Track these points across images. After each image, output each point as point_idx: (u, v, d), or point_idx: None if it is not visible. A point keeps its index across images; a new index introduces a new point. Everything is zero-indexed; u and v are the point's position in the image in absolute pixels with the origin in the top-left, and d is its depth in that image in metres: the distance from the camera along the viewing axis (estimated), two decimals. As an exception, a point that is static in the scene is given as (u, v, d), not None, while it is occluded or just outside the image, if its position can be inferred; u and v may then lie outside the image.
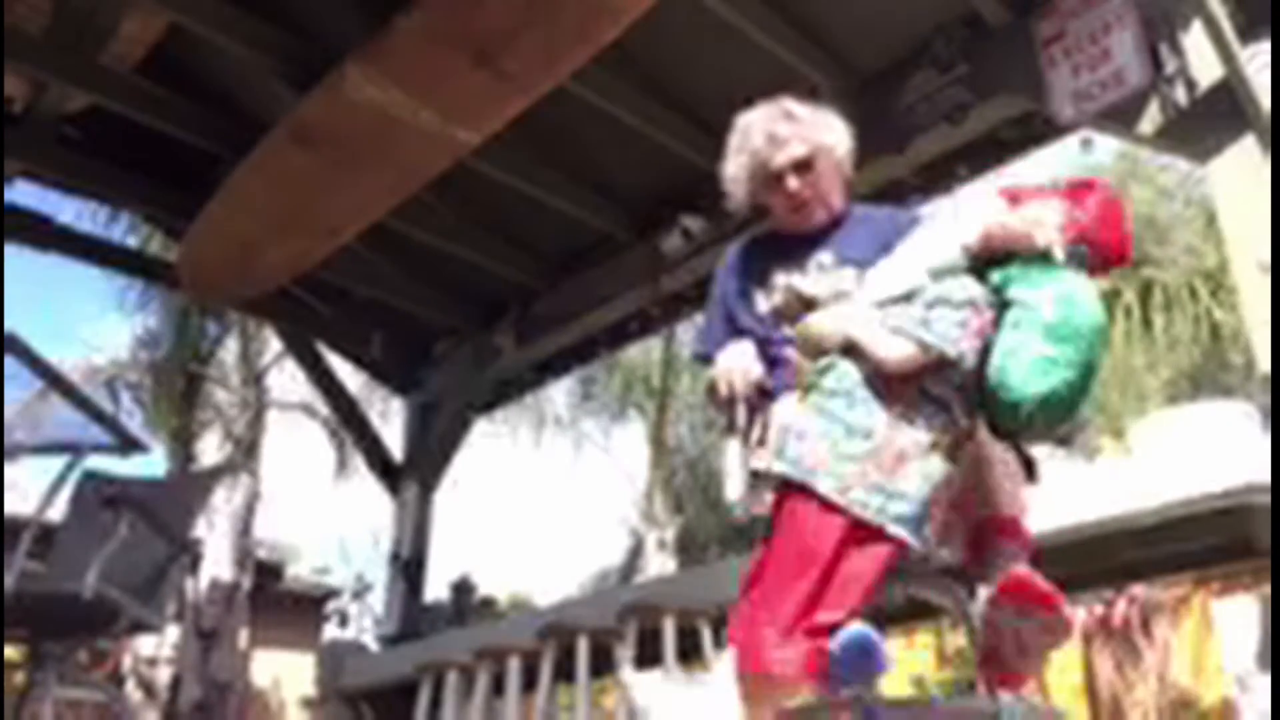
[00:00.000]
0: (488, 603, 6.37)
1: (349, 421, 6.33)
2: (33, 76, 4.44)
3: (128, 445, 4.33)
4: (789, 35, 3.76)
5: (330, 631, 11.32)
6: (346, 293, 5.69)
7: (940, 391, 1.68)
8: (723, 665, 1.71)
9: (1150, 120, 3.06)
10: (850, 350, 1.71)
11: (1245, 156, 2.79)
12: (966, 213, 1.80)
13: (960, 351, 1.67)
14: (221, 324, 11.88)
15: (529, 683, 3.69)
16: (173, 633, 6.57)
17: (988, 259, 1.73)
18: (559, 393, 13.42)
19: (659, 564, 12.44)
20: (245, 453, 11.44)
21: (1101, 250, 1.76)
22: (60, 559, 2.97)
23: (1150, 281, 11.49)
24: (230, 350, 12.28)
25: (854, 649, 1.55)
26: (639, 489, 14.05)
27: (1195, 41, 2.95)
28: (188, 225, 4.52)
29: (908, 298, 1.72)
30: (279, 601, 10.89)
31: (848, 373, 1.70)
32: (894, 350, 1.67)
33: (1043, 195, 1.77)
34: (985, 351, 1.69)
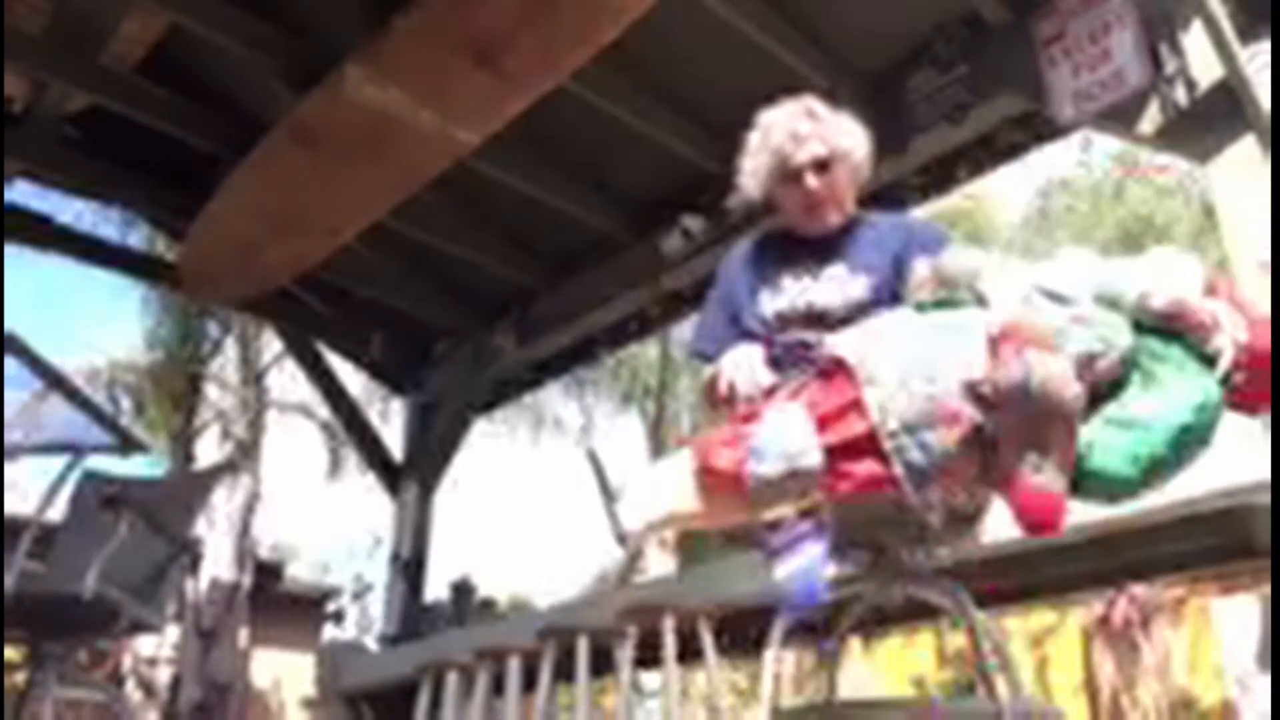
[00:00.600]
0: (488, 603, 6.37)
1: (349, 422, 6.33)
2: (33, 76, 4.44)
3: (128, 445, 4.34)
4: (789, 35, 3.76)
5: (330, 631, 11.33)
6: (346, 293, 5.69)
7: None
8: None
9: (1150, 120, 3.06)
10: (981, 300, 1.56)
11: (1245, 156, 2.79)
12: (1165, 264, 1.57)
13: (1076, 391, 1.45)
14: (222, 324, 11.89)
15: (529, 683, 3.69)
16: (173, 633, 6.57)
17: (1154, 324, 1.51)
18: (559, 392, 13.42)
19: (659, 564, 12.43)
20: (245, 453, 11.45)
21: (1240, 393, 1.52)
22: (60, 559, 2.97)
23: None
24: (230, 350, 12.29)
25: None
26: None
27: (1195, 41, 2.95)
28: (188, 225, 4.52)
29: (1061, 300, 1.53)
30: (279, 601, 10.88)
31: (967, 314, 1.52)
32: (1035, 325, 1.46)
33: (1238, 301, 1.55)
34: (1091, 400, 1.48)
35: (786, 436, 1.44)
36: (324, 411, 10.06)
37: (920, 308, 1.57)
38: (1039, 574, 3.14)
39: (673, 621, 3.29)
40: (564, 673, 3.60)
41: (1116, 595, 6.79)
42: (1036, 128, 3.68)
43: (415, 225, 4.89)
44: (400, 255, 5.39)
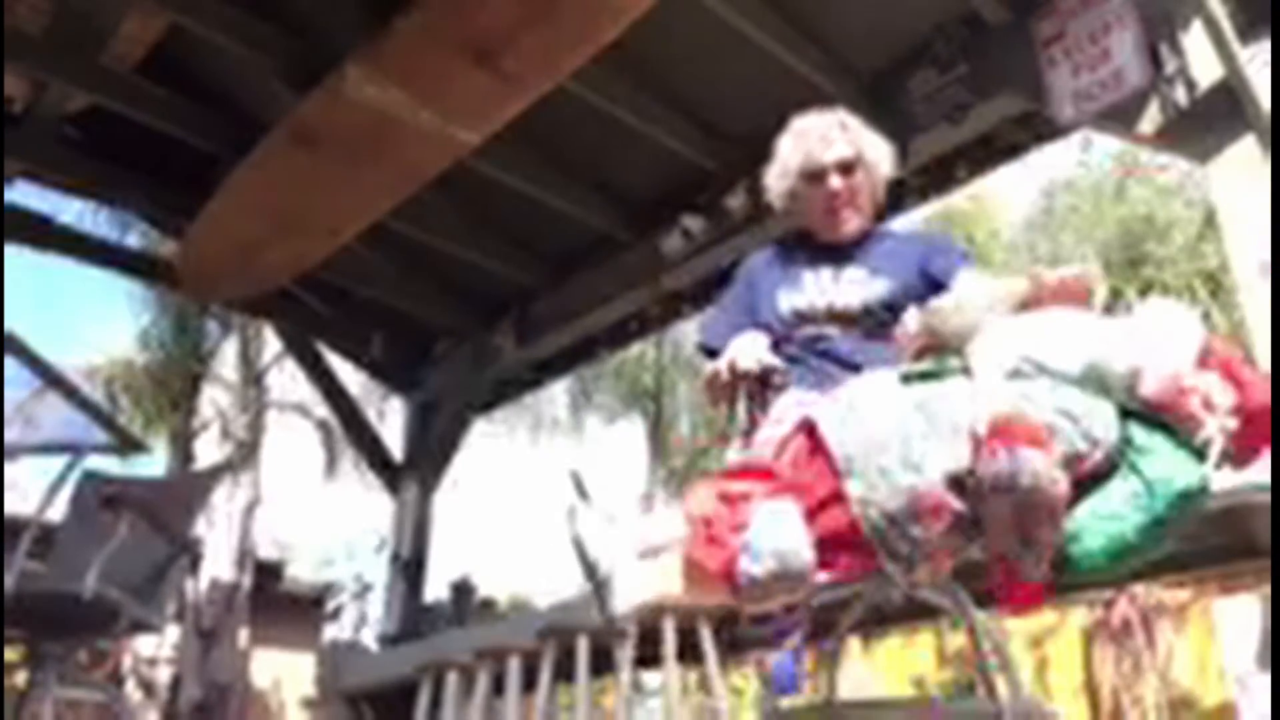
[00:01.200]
0: (488, 603, 6.38)
1: (349, 421, 6.33)
2: (33, 76, 4.44)
3: (128, 445, 4.34)
4: (789, 35, 3.76)
5: (330, 631, 11.32)
6: (346, 293, 5.69)
7: None
8: None
9: (1150, 120, 3.06)
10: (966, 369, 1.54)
11: (1245, 156, 2.79)
12: (1159, 329, 1.49)
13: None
14: (221, 324, 11.89)
15: (529, 683, 3.69)
16: (173, 633, 6.57)
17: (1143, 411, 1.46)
18: (559, 393, 13.43)
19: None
20: (245, 453, 11.44)
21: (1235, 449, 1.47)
22: (60, 559, 2.97)
23: (1150, 281, 11.50)
24: (230, 350, 12.29)
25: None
26: (639, 489, 14.06)
27: (1195, 41, 2.95)
28: (188, 225, 4.52)
29: (1049, 374, 1.46)
30: (279, 601, 10.88)
31: (953, 391, 1.49)
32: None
33: (1232, 368, 1.48)
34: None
35: (779, 535, 1.43)
36: (323, 411, 10.06)
37: (906, 380, 1.54)
38: (1039, 574, 3.13)
39: (673, 621, 3.30)
40: (564, 673, 3.60)
41: (1116, 595, 6.79)
42: (1036, 128, 3.68)
43: (415, 225, 4.90)
44: (400, 255, 5.39)
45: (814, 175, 2.04)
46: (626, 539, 1.55)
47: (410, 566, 5.72)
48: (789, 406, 1.79)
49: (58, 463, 3.14)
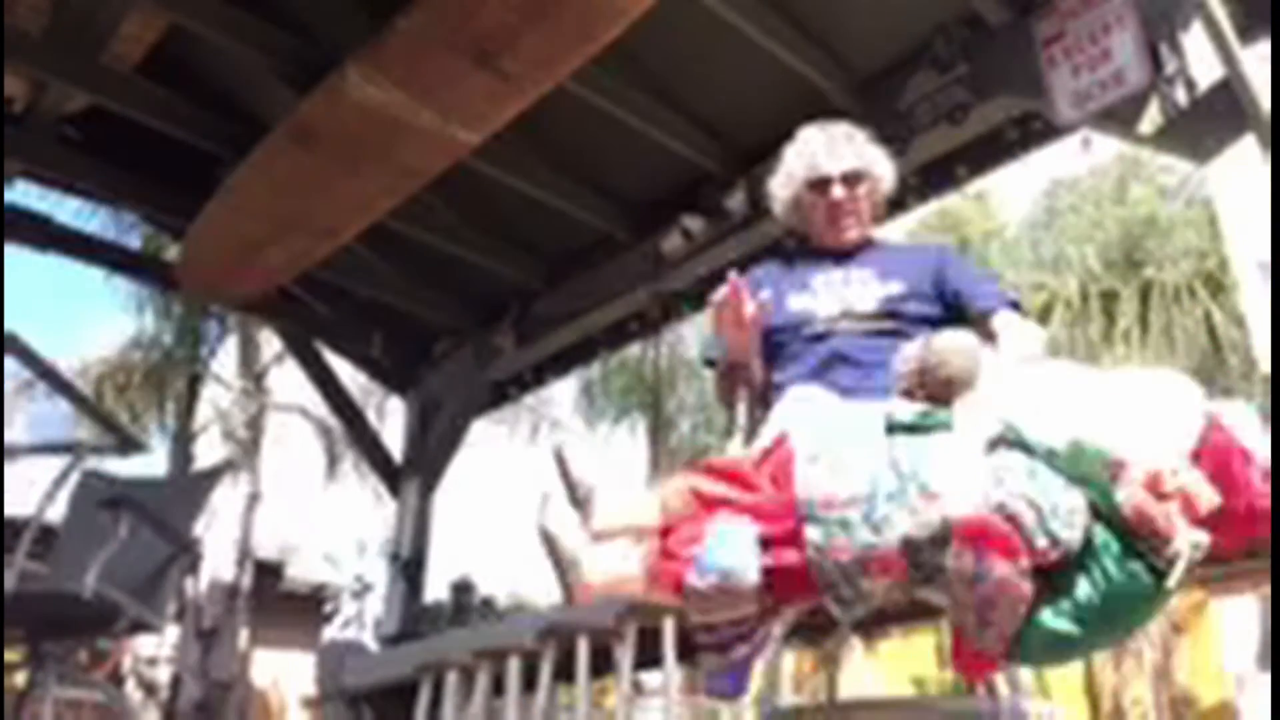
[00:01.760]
0: (488, 603, 6.38)
1: (349, 422, 6.33)
2: (33, 76, 4.43)
3: (127, 445, 4.33)
4: (789, 35, 3.76)
5: (330, 631, 11.33)
6: (346, 293, 5.69)
7: None
8: None
9: (1150, 120, 3.06)
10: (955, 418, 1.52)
11: (1245, 156, 2.79)
12: (1159, 408, 1.44)
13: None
14: (221, 324, 11.89)
15: (529, 683, 3.69)
16: (173, 633, 6.57)
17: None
18: (559, 393, 13.44)
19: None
20: (245, 453, 11.45)
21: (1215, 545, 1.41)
22: (60, 559, 2.98)
23: (1150, 281, 11.51)
24: (230, 350, 12.29)
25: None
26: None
27: (1195, 41, 2.94)
28: (188, 225, 4.52)
29: (1029, 451, 1.42)
30: (279, 601, 10.89)
31: (931, 452, 1.46)
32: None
33: (1226, 458, 1.42)
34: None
35: (728, 554, 1.44)
36: (324, 411, 10.06)
37: (890, 429, 1.52)
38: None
39: (673, 621, 3.29)
40: (564, 673, 3.60)
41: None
42: (1036, 128, 3.68)
43: (415, 225, 4.89)
44: (400, 255, 5.39)
45: (818, 184, 2.07)
46: (596, 516, 1.57)
47: (410, 566, 5.72)
48: (791, 404, 1.79)
49: (58, 463, 3.15)
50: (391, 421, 8.22)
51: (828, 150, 2.08)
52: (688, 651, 3.31)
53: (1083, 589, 1.38)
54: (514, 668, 3.72)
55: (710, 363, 2.07)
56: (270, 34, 3.95)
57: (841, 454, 1.48)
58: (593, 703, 3.80)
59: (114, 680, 7.13)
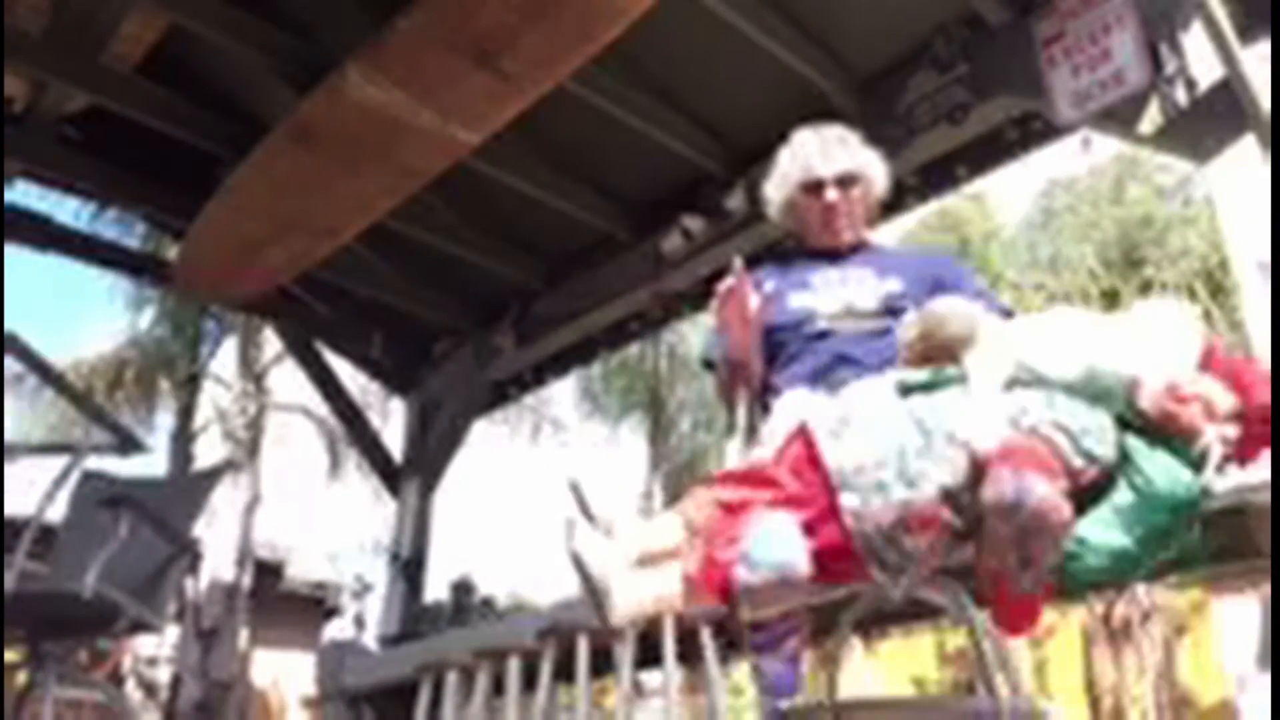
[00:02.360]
0: (488, 603, 6.37)
1: (349, 422, 6.33)
2: (33, 76, 4.43)
3: (127, 445, 4.34)
4: (789, 35, 3.76)
5: (330, 631, 11.32)
6: (346, 293, 5.69)
7: None
8: None
9: (1150, 120, 3.06)
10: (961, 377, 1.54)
11: (1245, 156, 2.79)
12: (1159, 333, 1.49)
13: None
14: (221, 324, 11.88)
15: (529, 683, 3.68)
16: (173, 633, 6.56)
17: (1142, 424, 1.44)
18: (559, 393, 13.44)
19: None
20: (245, 453, 11.44)
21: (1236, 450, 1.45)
22: (60, 559, 2.97)
23: (1150, 281, 11.50)
24: (230, 350, 12.29)
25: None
26: (638, 489, 14.07)
27: (1195, 41, 2.95)
28: (188, 225, 4.52)
29: (1046, 384, 1.45)
30: (279, 601, 10.89)
31: (949, 404, 1.48)
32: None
33: (1234, 367, 1.47)
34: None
35: (778, 548, 1.44)
36: (324, 411, 10.06)
37: (903, 391, 1.55)
38: (1039, 574, 3.14)
39: (673, 621, 3.30)
40: (564, 673, 3.60)
41: (1116, 595, 6.80)
42: (1036, 128, 3.68)
43: (415, 225, 4.89)
44: (400, 255, 5.39)
45: (812, 187, 2.08)
46: (622, 547, 1.55)
47: (410, 566, 5.72)
48: (791, 405, 1.79)
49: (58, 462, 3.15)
50: (394, 422, 8.21)
51: (821, 153, 2.09)
52: (688, 652, 3.31)
53: (1123, 494, 1.41)
54: (514, 668, 3.72)
55: (709, 364, 2.07)
56: (270, 34, 3.95)
57: (863, 423, 1.49)
58: (593, 703, 3.80)
59: (114, 680, 7.13)
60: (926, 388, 1.54)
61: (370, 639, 7.61)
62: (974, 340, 1.56)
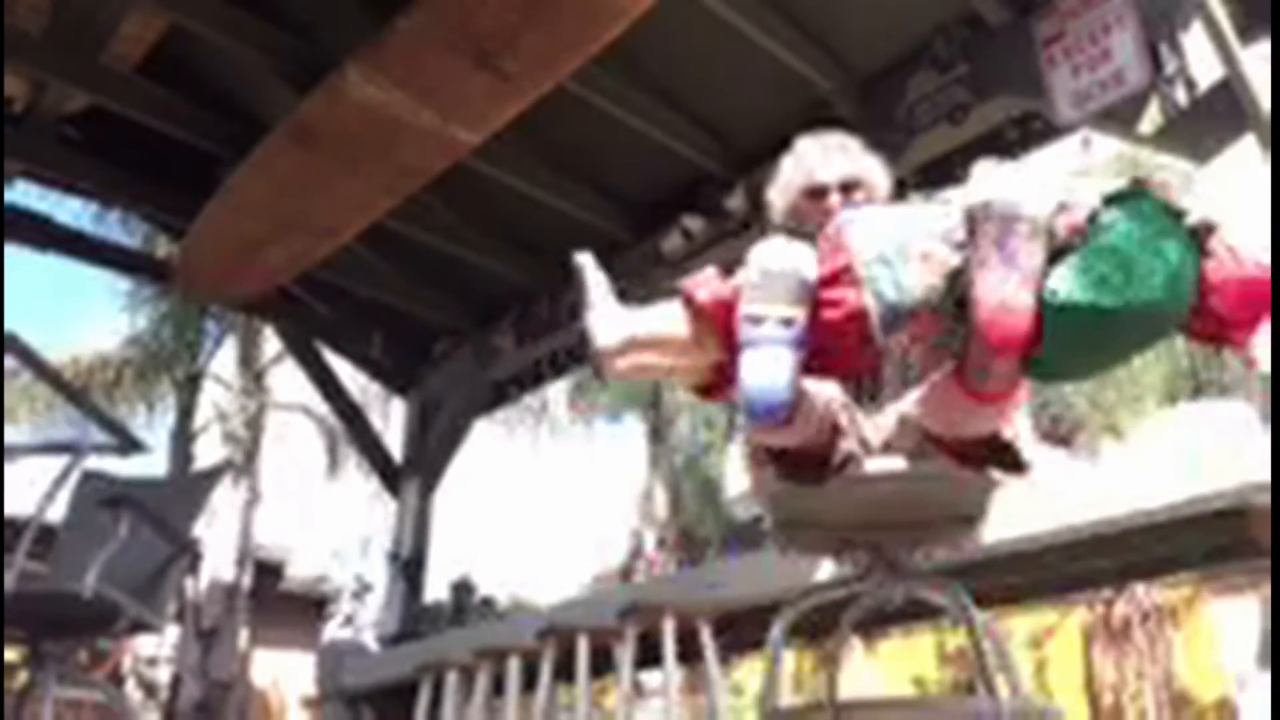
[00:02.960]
0: (488, 603, 6.37)
1: (349, 421, 6.33)
2: (33, 76, 4.44)
3: (128, 445, 4.34)
4: (789, 35, 3.76)
5: (330, 631, 11.32)
6: (346, 293, 5.69)
7: None
8: None
9: (1150, 120, 3.07)
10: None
11: (1245, 156, 2.79)
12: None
13: None
14: (221, 324, 11.88)
15: (529, 683, 3.69)
16: (173, 633, 6.58)
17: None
18: (558, 392, 13.43)
19: (659, 564, 12.45)
20: (245, 453, 11.43)
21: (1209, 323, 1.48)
22: (60, 559, 2.97)
23: (1150, 281, 11.49)
24: (230, 350, 12.27)
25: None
26: (638, 489, 14.06)
27: (1195, 41, 2.95)
28: (188, 225, 4.52)
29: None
30: (279, 601, 10.90)
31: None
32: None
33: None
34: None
35: (791, 254, 1.61)
36: (324, 411, 10.06)
37: None
38: (1039, 574, 3.14)
39: (673, 621, 3.30)
40: (564, 673, 3.60)
41: (1116, 595, 6.80)
42: (1036, 128, 3.68)
43: (415, 225, 4.90)
44: (400, 255, 5.39)
45: (815, 193, 2.10)
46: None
47: (410, 566, 5.72)
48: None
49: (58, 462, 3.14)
50: (394, 422, 8.21)
51: (823, 159, 2.11)
52: (688, 652, 3.31)
53: (1098, 239, 1.43)
54: (514, 667, 3.72)
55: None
56: (270, 34, 3.96)
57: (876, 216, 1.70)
58: (593, 703, 3.80)
59: (114, 680, 7.14)
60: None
61: (366, 638, 7.61)
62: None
